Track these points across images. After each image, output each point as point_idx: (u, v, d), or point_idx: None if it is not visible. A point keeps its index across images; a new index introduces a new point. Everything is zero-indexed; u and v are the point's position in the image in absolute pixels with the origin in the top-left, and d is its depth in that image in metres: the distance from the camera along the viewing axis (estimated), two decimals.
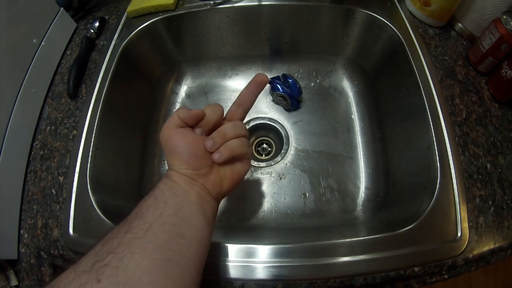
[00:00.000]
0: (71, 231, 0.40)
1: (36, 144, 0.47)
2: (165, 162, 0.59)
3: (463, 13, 0.50)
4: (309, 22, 0.57)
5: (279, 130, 0.60)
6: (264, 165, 0.57)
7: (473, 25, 0.50)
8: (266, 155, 0.62)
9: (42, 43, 0.49)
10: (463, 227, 0.36)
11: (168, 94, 0.64)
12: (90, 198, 0.41)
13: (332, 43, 0.60)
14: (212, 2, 0.54)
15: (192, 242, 0.25)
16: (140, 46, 0.56)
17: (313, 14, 0.56)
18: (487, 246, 0.36)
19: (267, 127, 0.62)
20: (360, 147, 0.57)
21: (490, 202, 0.38)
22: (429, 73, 0.46)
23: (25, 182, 0.45)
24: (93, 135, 0.45)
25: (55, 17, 0.52)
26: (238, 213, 0.54)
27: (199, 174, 0.29)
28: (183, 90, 0.65)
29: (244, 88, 0.34)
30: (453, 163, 0.40)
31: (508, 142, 0.42)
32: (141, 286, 0.21)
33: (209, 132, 0.31)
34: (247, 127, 0.61)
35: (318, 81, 0.64)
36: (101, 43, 0.55)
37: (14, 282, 0.40)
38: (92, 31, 0.56)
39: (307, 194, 0.54)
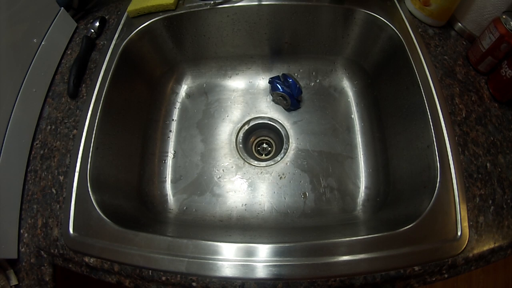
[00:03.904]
0: (71, 231, 0.40)
1: (36, 144, 0.47)
2: (165, 162, 0.59)
3: (463, 13, 0.50)
4: (309, 22, 0.57)
5: (279, 130, 0.60)
6: (264, 165, 0.57)
7: (473, 25, 0.50)
8: (266, 154, 0.62)
9: (43, 43, 0.50)
10: (463, 226, 0.37)
11: (168, 94, 0.64)
12: (90, 197, 0.41)
13: (332, 43, 0.60)
14: (212, 2, 0.55)
15: None
16: (140, 46, 0.56)
17: (313, 14, 0.56)
18: (487, 245, 0.36)
19: (267, 126, 0.62)
20: (360, 146, 0.57)
21: (490, 202, 0.38)
22: (429, 72, 0.46)
23: (25, 182, 0.45)
24: (93, 135, 0.45)
25: (55, 17, 0.52)
26: (238, 213, 0.54)
27: None
28: (183, 90, 0.65)
29: None
30: (453, 163, 0.40)
31: (508, 141, 0.42)
32: None
33: None
34: (248, 127, 0.61)
35: (318, 81, 0.64)
36: (101, 43, 0.55)
37: (14, 281, 0.40)
38: (92, 31, 0.56)
39: (307, 194, 0.54)
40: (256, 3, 0.55)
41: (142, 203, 0.51)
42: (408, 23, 0.51)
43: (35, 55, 0.48)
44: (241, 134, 0.61)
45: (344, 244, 0.36)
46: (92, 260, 0.39)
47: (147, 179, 0.55)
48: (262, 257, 0.36)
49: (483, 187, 0.39)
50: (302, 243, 0.36)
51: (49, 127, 0.48)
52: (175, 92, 0.65)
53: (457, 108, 0.44)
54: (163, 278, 0.36)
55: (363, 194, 0.53)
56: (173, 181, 0.57)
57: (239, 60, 0.65)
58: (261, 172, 0.57)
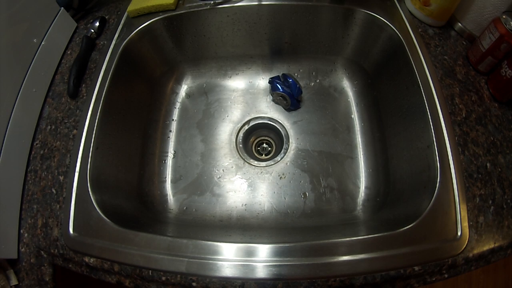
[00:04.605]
0: (71, 231, 0.40)
1: (36, 144, 0.47)
2: (165, 162, 0.59)
3: (463, 13, 0.50)
4: (309, 22, 0.57)
5: (279, 130, 0.60)
6: (264, 165, 0.57)
7: (473, 25, 0.50)
8: (266, 154, 0.62)
9: (43, 43, 0.50)
10: (463, 226, 0.37)
11: (168, 94, 0.64)
12: (90, 197, 0.41)
13: (332, 43, 0.60)
14: (212, 2, 0.55)
15: None
16: (140, 46, 0.56)
17: (313, 14, 0.56)
18: (487, 245, 0.36)
19: (267, 126, 0.62)
20: (360, 146, 0.57)
21: (490, 202, 0.38)
22: (429, 72, 0.46)
23: (25, 182, 0.45)
24: (93, 135, 0.45)
25: (55, 17, 0.52)
26: (238, 213, 0.54)
27: None
28: (183, 90, 0.65)
29: None
30: (453, 163, 0.40)
31: (508, 141, 0.42)
32: None
33: None
34: (248, 127, 0.61)
35: (318, 80, 0.64)
36: (101, 42, 0.55)
37: (14, 281, 0.40)
38: (92, 31, 0.56)
39: (307, 194, 0.54)
40: (256, 3, 0.55)
41: (142, 203, 0.51)
42: (408, 23, 0.51)
43: (35, 55, 0.48)
44: (241, 134, 0.61)
45: (344, 244, 0.36)
46: (92, 260, 0.39)
47: (147, 179, 0.55)
48: (262, 257, 0.36)
49: (483, 187, 0.39)
50: (302, 243, 0.36)
51: (49, 127, 0.48)
52: (175, 92, 0.65)
53: (457, 108, 0.44)
54: (163, 278, 0.36)
55: (363, 194, 0.53)
56: (173, 181, 0.57)
57: (239, 60, 0.65)
58: (261, 172, 0.57)
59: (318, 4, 0.54)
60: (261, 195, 0.55)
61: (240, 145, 0.60)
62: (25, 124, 0.47)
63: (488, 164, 0.41)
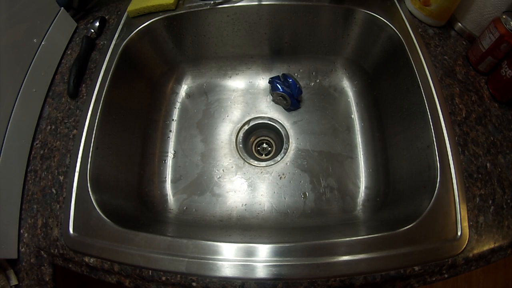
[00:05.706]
0: (71, 231, 0.40)
1: (36, 144, 0.47)
2: (165, 162, 0.59)
3: (463, 13, 0.50)
4: (309, 22, 0.57)
5: (279, 130, 0.60)
6: (264, 165, 0.57)
7: (473, 25, 0.50)
8: (266, 154, 0.62)
9: (43, 43, 0.50)
10: (463, 226, 0.37)
11: (168, 94, 0.64)
12: (90, 197, 0.41)
13: (332, 43, 0.60)
14: (212, 2, 0.55)
15: None
16: (140, 46, 0.56)
17: (313, 14, 0.56)
18: (487, 245, 0.36)
19: (267, 126, 0.62)
20: (360, 146, 0.57)
21: (490, 202, 0.38)
22: (429, 72, 0.46)
23: (25, 182, 0.45)
24: (93, 135, 0.45)
25: (55, 17, 0.52)
26: (238, 213, 0.54)
27: None
28: (183, 90, 0.65)
29: None
30: (453, 163, 0.40)
31: (508, 141, 0.42)
32: None
33: None
34: (248, 127, 0.61)
35: (318, 80, 0.64)
36: (101, 42, 0.55)
37: (14, 281, 0.40)
38: (92, 30, 0.56)
39: (307, 194, 0.54)
40: (256, 3, 0.55)
41: (142, 203, 0.51)
42: (408, 23, 0.51)
43: (35, 55, 0.48)
44: (241, 134, 0.61)
45: (344, 244, 0.36)
46: (92, 260, 0.39)
47: (147, 179, 0.55)
48: (262, 257, 0.36)
49: (483, 187, 0.39)
50: (302, 243, 0.36)
51: (49, 127, 0.48)
52: (175, 92, 0.65)
53: (457, 108, 0.44)
54: (163, 278, 0.36)
55: (363, 194, 0.53)
56: (173, 181, 0.57)
57: (239, 60, 0.65)
58: (261, 172, 0.57)
59: (318, 4, 0.54)
60: (261, 195, 0.55)
61: (240, 145, 0.60)
62: (25, 124, 0.47)
63: (488, 164, 0.41)
